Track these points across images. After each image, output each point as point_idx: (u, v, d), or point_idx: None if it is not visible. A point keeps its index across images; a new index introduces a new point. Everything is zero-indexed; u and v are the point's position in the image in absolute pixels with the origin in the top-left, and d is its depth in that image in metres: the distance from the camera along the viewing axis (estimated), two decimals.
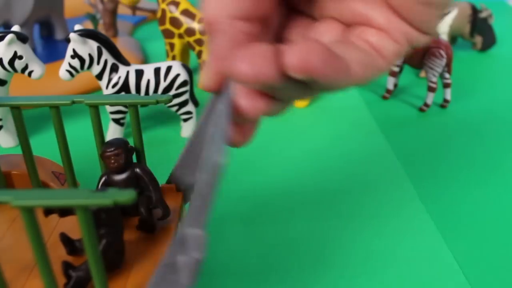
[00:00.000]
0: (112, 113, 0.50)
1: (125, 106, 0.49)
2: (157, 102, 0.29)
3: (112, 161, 0.29)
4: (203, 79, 0.19)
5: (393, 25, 0.19)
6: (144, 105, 0.30)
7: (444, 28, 0.75)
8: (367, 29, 0.19)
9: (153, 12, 0.93)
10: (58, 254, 0.27)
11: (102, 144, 0.30)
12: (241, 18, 0.18)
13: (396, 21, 0.19)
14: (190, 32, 0.62)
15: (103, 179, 0.30)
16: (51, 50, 0.75)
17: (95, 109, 0.30)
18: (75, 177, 0.32)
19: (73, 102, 0.29)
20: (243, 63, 0.16)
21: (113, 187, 0.29)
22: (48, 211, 0.29)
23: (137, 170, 0.29)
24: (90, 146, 0.49)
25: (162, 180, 0.45)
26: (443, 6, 0.18)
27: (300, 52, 0.15)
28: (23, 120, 0.30)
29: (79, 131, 0.53)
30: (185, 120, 0.52)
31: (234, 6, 0.18)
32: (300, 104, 0.60)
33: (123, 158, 0.29)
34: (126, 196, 0.18)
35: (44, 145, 0.49)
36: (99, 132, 0.30)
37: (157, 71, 0.49)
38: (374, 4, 0.19)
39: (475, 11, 0.75)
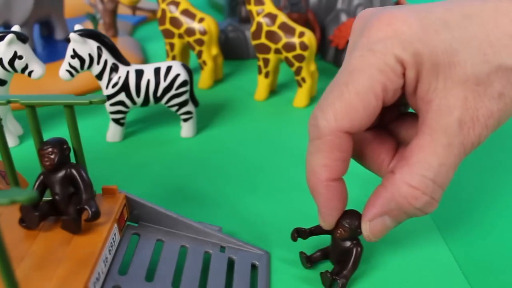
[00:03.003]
0: (112, 113, 0.50)
1: (126, 106, 0.49)
2: (91, 103, 0.29)
3: (46, 159, 0.28)
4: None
5: None
6: (77, 105, 0.29)
7: None
8: None
9: (153, 12, 0.93)
10: None
11: (40, 143, 0.30)
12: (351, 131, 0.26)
13: None
14: (190, 32, 0.61)
15: (40, 178, 0.30)
16: (51, 50, 0.75)
17: (31, 109, 0.29)
18: (17, 177, 0.32)
19: (8, 102, 0.29)
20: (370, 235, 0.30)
21: (49, 186, 0.29)
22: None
23: (71, 170, 0.29)
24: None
25: (161, 182, 0.45)
26: None
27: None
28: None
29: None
30: (185, 120, 0.52)
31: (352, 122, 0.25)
32: (300, 104, 0.60)
33: (56, 157, 0.28)
34: (25, 195, 0.18)
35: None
36: (37, 131, 0.30)
37: (157, 71, 0.49)
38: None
39: None
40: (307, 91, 0.59)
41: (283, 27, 0.57)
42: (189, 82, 0.50)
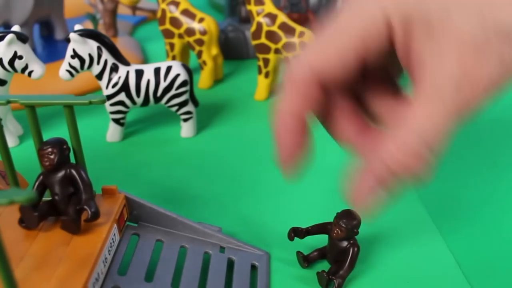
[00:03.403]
0: (112, 113, 0.50)
1: (126, 106, 0.49)
2: (90, 103, 0.29)
3: (45, 159, 0.29)
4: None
5: None
6: (77, 105, 0.29)
7: None
8: None
9: (153, 12, 0.93)
10: None
11: (40, 144, 0.30)
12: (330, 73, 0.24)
13: None
14: (190, 32, 0.61)
15: (40, 178, 0.30)
16: (51, 50, 0.75)
17: (31, 109, 0.29)
18: (16, 177, 0.32)
19: (8, 102, 0.29)
20: (359, 202, 0.25)
21: (49, 186, 0.29)
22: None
23: (70, 170, 0.29)
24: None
25: (161, 182, 0.45)
26: None
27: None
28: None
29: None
30: (185, 120, 0.52)
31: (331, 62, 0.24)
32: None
33: (56, 157, 0.28)
34: (24, 196, 0.18)
35: None
36: (37, 131, 0.30)
37: (157, 71, 0.49)
38: None
39: None
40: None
41: (283, 27, 0.57)
42: (189, 82, 0.50)
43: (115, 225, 0.30)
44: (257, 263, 0.33)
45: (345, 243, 0.32)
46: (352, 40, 0.24)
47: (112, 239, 0.30)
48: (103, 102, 0.29)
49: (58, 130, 0.53)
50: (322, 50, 0.24)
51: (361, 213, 0.29)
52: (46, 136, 0.30)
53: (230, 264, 0.33)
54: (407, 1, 0.23)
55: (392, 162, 0.24)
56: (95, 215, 0.28)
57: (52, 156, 0.28)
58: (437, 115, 0.23)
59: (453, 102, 0.23)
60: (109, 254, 0.29)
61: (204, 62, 0.63)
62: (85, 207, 0.28)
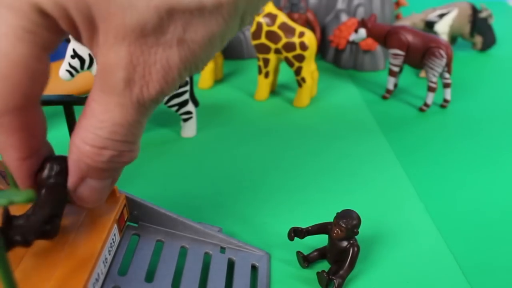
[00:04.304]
0: None
1: None
2: None
3: None
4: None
5: None
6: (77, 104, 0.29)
7: (444, 28, 0.75)
8: None
9: None
10: None
11: None
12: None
13: None
14: (289, 47, 0.60)
15: None
16: None
17: None
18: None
19: None
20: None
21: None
22: None
23: None
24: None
25: (161, 182, 0.45)
26: None
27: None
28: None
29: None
30: (185, 120, 0.52)
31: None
32: (300, 104, 0.60)
33: None
34: (24, 196, 0.18)
35: None
36: None
37: None
38: None
39: (475, 11, 0.75)
40: (307, 91, 0.59)
41: (283, 27, 0.57)
42: (189, 82, 0.50)
43: (116, 225, 0.30)
44: (257, 264, 0.33)
45: (345, 243, 0.32)
46: (19, 49, 0.20)
47: (113, 239, 0.30)
48: None
49: (58, 130, 0.53)
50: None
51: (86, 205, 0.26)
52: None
53: (231, 265, 0.33)
54: None
55: (86, 159, 0.23)
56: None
57: None
58: (116, 111, 0.22)
59: (128, 98, 0.21)
60: (109, 255, 0.29)
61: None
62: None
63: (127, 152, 0.23)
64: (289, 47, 0.57)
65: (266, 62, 0.60)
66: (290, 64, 0.58)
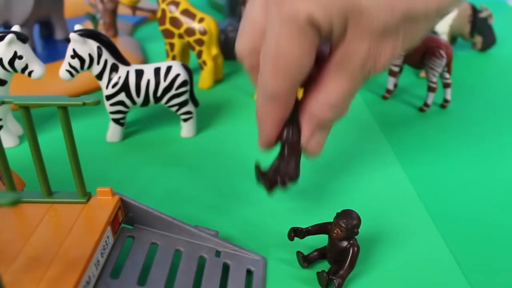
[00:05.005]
0: (112, 113, 0.50)
1: (126, 106, 0.49)
2: (84, 104, 0.28)
3: None
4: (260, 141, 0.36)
5: None
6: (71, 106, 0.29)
7: (444, 28, 0.75)
8: None
9: (153, 12, 0.93)
10: None
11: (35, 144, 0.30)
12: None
13: None
14: (190, 32, 0.61)
15: None
16: (51, 50, 0.75)
17: (25, 109, 0.29)
18: (12, 177, 0.31)
19: (3, 103, 0.29)
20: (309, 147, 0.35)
21: None
22: None
23: None
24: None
25: (161, 182, 0.45)
26: None
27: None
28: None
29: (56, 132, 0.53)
30: (185, 120, 0.52)
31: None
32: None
33: None
34: (9, 198, 0.18)
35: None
36: (31, 132, 0.30)
37: (157, 71, 0.49)
38: None
39: (475, 11, 0.75)
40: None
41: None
42: (189, 82, 0.50)
43: (109, 227, 0.30)
44: (252, 268, 0.33)
45: (345, 243, 0.32)
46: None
47: (106, 241, 0.30)
48: (97, 103, 0.28)
49: (55, 131, 0.53)
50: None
51: (309, 156, 0.35)
52: (42, 137, 0.30)
53: (225, 269, 0.32)
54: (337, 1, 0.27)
55: (321, 113, 0.32)
56: None
57: None
58: (346, 82, 0.29)
59: (360, 75, 0.29)
60: (102, 257, 0.29)
61: (204, 62, 0.63)
62: None
63: (346, 110, 0.32)
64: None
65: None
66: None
